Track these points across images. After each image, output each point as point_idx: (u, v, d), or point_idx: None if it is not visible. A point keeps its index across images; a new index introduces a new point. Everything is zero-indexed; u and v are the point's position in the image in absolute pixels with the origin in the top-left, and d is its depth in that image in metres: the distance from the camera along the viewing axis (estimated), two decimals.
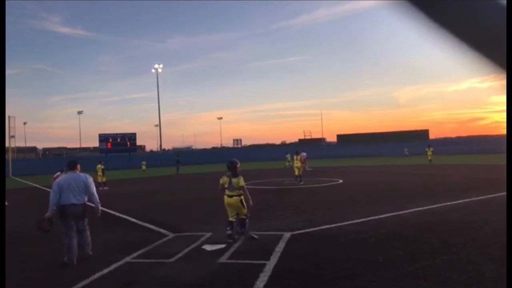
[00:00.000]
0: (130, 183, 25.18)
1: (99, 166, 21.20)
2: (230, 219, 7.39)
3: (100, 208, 6.94)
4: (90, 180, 6.80)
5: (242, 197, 7.44)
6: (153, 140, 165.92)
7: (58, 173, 14.41)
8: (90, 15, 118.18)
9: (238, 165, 7.66)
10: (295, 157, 19.50)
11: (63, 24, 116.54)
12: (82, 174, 6.81)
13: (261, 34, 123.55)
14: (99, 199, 7.01)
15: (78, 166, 7.01)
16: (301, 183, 18.45)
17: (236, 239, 7.22)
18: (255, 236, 7.34)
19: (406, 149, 47.46)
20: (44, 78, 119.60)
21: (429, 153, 31.66)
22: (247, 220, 7.44)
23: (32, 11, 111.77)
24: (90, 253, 6.59)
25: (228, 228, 7.31)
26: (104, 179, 20.96)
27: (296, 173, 18.89)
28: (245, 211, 7.40)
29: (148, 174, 33.82)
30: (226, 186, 7.49)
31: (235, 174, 7.51)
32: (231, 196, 7.40)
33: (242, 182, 7.46)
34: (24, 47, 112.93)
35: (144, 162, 41.42)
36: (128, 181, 26.55)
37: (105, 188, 20.37)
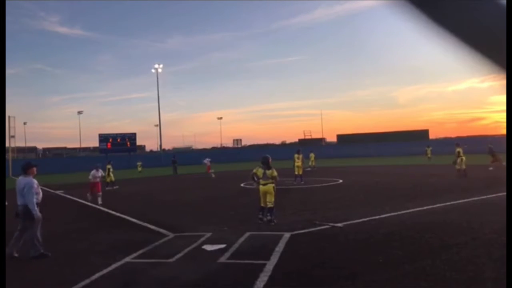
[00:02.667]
0: (130, 183, 25.18)
1: (108, 166, 21.51)
2: (262, 205, 8.96)
3: (37, 214, 6.77)
4: (29, 185, 6.80)
5: (274, 185, 8.95)
6: (153, 140, 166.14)
7: (94, 171, 14.76)
8: (88, 15, 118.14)
9: (270, 160, 9.15)
10: (296, 156, 19.50)
11: (61, 24, 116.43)
12: (25, 179, 6.90)
13: (261, 34, 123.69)
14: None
15: (33, 170, 7.13)
16: (302, 182, 18.54)
17: (263, 222, 8.72)
18: (276, 222, 8.69)
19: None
20: (43, 78, 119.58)
21: (428, 152, 35.16)
22: (274, 209, 8.83)
23: (30, 11, 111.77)
24: (34, 254, 6.66)
25: (260, 213, 8.94)
26: (110, 179, 21.24)
27: (298, 172, 19.10)
28: (273, 199, 8.83)
29: (148, 174, 33.80)
30: (260, 176, 9.02)
31: (268, 167, 9.03)
32: (265, 184, 8.95)
33: (275, 173, 9.04)
34: (23, 47, 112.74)
35: (139, 163, 39.14)
36: (128, 181, 26.54)
37: (115, 187, 20.89)
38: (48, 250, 6.92)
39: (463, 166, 18.34)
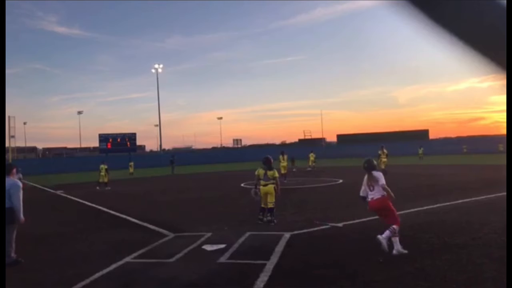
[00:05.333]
0: (130, 183, 25.18)
1: (102, 166, 21.10)
2: (263, 205, 9.02)
3: (22, 218, 6.44)
4: (15, 187, 6.46)
5: (274, 185, 9.01)
6: (153, 140, 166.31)
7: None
8: (86, 15, 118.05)
9: (272, 161, 9.33)
10: (280, 157, 20.56)
11: (59, 23, 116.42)
12: (10, 180, 6.53)
13: (260, 34, 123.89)
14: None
15: (13, 171, 6.79)
16: (285, 181, 18.96)
17: (263, 223, 8.77)
18: (275, 222, 8.75)
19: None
20: (43, 78, 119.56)
21: (420, 152, 41.02)
22: (274, 210, 8.90)
23: (28, 10, 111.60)
24: (13, 255, 6.34)
25: (260, 213, 9.00)
26: (106, 179, 20.90)
27: (283, 171, 19.94)
28: (273, 199, 8.91)
29: (148, 174, 33.73)
30: (261, 177, 9.07)
31: (270, 168, 9.12)
32: (266, 185, 9.00)
33: (276, 174, 9.19)
34: (22, 47, 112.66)
35: (131, 163, 36.32)
36: (128, 181, 26.55)
37: (107, 188, 20.41)
38: (47, 250, 6.90)
39: (382, 167, 20.82)
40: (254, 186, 9.35)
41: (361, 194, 6.64)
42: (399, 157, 44.62)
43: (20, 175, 16.14)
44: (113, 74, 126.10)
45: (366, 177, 6.55)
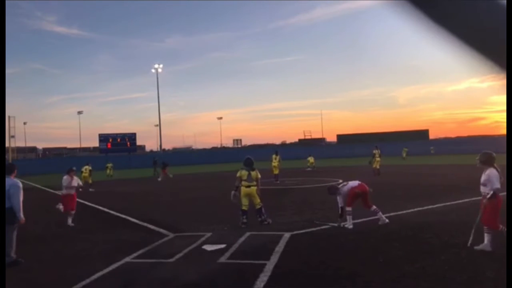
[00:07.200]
0: (129, 183, 25.16)
1: (86, 167, 20.42)
2: (244, 208, 8.69)
3: (22, 218, 6.44)
4: (15, 187, 6.43)
5: (257, 187, 8.86)
6: (153, 140, 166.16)
7: (67, 177, 11.82)
8: (85, 15, 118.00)
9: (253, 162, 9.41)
10: (273, 156, 20.86)
11: (58, 23, 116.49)
12: (10, 180, 6.48)
13: (260, 34, 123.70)
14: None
15: (15, 171, 6.79)
16: (277, 182, 19.32)
17: (247, 226, 8.44)
18: (270, 221, 8.71)
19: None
20: (43, 78, 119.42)
21: (404, 152, 42.42)
22: (263, 209, 8.72)
23: (27, 10, 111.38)
24: (13, 255, 6.34)
25: (244, 217, 8.62)
26: (90, 181, 20.03)
27: (275, 172, 20.30)
28: (259, 200, 8.74)
29: (147, 175, 33.66)
30: (244, 178, 8.83)
31: (252, 168, 8.94)
32: (249, 186, 8.79)
33: (259, 175, 9.02)
34: (21, 46, 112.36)
35: (110, 165, 32.06)
36: (127, 181, 26.54)
37: (91, 190, 19.23)
38: (47, 250, 6.88)
39: (377, 166, 21.61)
40: (235, 189, 9.10)
41: (341, 205, 8.31)
42: (399, 157, 44.65)
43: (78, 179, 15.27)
44: (113, 74, 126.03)
45: (339, 197, 8.48)
